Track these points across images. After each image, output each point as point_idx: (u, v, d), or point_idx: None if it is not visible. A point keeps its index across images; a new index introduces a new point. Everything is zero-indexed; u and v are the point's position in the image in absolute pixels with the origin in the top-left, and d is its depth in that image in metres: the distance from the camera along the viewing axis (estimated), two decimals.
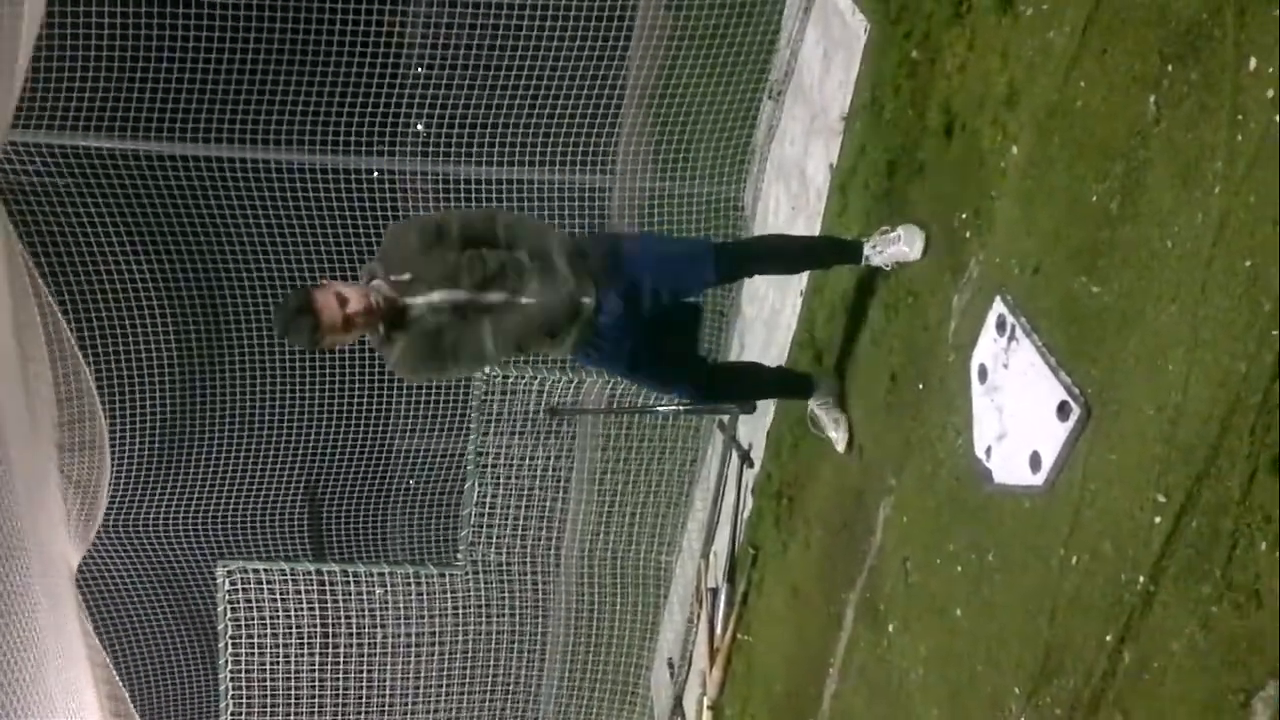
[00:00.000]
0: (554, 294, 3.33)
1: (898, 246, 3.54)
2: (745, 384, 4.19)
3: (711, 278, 3.63)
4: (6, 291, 4.26)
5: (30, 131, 5.30)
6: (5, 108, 4.12)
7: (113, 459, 5.63)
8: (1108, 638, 2.36)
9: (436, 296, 3.26)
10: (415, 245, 3.30)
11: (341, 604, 6.55)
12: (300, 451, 6.73)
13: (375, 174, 6.12)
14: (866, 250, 3.65)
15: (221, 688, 6.50)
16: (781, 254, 3.96)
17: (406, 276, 3.26)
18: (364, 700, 6.83)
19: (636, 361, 3.60)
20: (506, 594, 6.77)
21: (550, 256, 3.36)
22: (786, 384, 4.22)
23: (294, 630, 6.53)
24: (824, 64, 4.74)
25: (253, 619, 6.42)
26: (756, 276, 5.46)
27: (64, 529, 5.07)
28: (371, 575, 6.57)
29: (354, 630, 6.63)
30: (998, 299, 2.94)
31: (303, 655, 6.60)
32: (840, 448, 3.95)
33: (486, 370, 5.65)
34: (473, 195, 5.95)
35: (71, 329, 5.35)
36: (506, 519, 6.48)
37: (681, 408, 5.62)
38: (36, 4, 3.68)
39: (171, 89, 5.53)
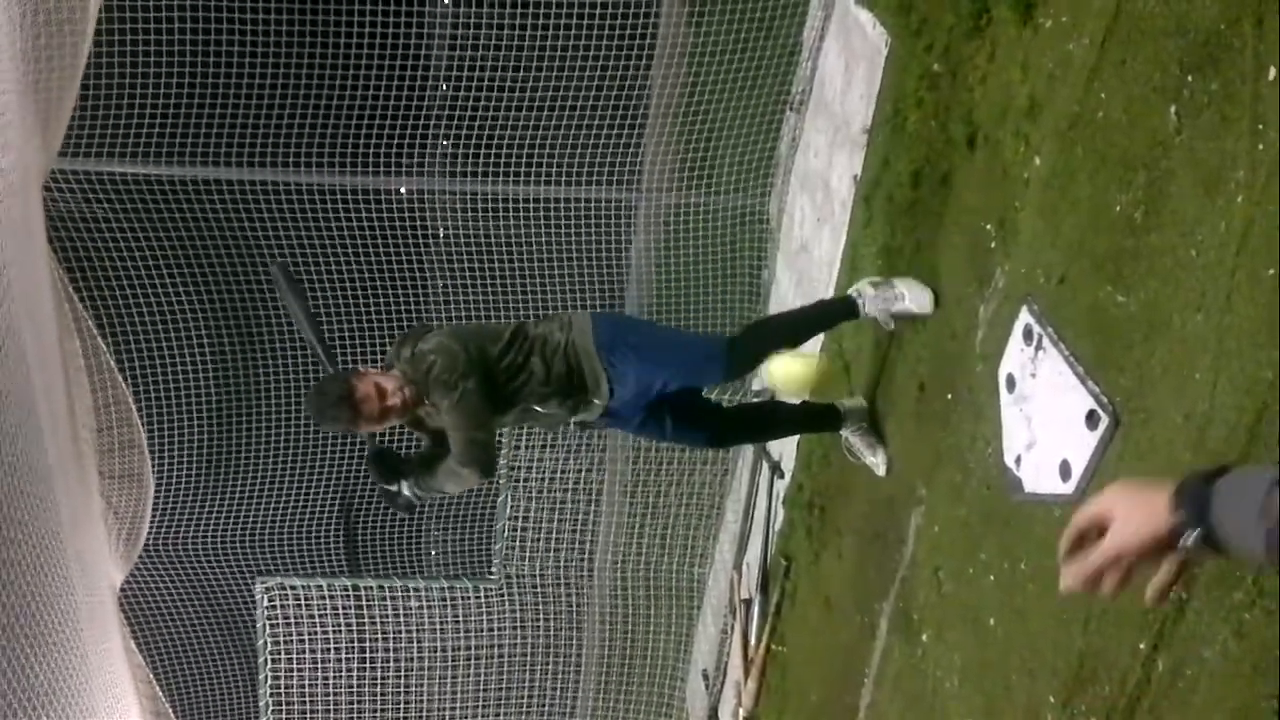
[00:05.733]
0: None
1: (902, 304, 3.64)
2: (761, 426, 4.34)
3: (719, 379, 4.05)
4: (52, 317, 4.36)
5: (68, 159, 5.41)
6: (54, 137, 4.21)
7: (154, 481, 5.72)
8: (1141, 645, 2.37)
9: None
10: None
11: (378, 619, 6.62)
12: (335, 468, 6.81)
13: (403, 193, 6.20)
14: (852, 294, 3.78)
15: (262, 703, 6.59)
16: (785, 328, 4.11)
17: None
18: (402, 715, 6.89)
19: (645, 426, 3.87)
20: (541, 607, 6.80)
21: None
22: (812, 418, 4.22)
23: (332, 645, 6.61)
24: (845, 77, 4.77)
25: (291, 635, 6.50)
26: (785, 288, 5.50)
27: (107, 548, 5.16)
28: (407, 590, 6.64)
29: (391, 645, 6.70)
30: (1024, 309, 2.96)
31: (341, 670, 6.67)
32: (880, 472, 3.97)
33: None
34: (500, 212, 6.01)
35: (110, 351, 5.45)
36: (540, 532, 6.53)
37: None
38: (85, 36, 3.76)
39: (205, 115, 5.64)
